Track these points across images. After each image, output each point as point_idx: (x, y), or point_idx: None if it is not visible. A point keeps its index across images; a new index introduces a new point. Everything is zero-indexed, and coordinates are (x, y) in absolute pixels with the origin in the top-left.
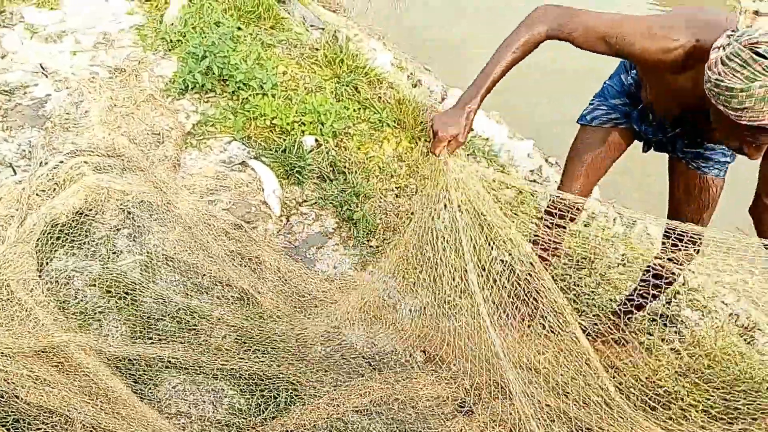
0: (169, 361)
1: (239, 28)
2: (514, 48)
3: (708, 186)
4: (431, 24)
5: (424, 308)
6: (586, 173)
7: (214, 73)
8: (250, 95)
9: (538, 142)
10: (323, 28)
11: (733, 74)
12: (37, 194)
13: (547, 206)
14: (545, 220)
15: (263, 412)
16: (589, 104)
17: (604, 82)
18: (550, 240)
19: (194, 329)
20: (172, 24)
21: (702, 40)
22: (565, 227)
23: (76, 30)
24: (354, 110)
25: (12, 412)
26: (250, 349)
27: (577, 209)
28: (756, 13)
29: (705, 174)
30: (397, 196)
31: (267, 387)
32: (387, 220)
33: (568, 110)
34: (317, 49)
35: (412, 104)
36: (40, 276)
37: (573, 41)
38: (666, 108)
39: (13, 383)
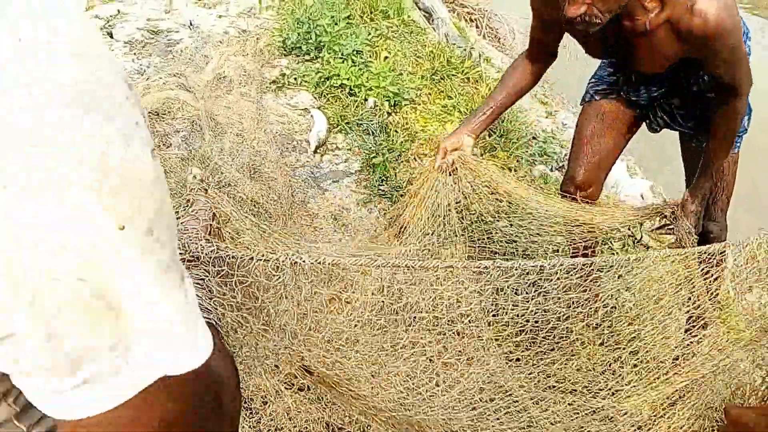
0: None
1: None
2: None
3: None
4: None
5: None
6: (589, 150)
7: (312, 39)
8: (331, 58)
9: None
10: (463, 48)
11: None
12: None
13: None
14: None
15: None
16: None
17: None
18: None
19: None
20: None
21: None
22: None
23: (230, 2)
24: (428, 91)
25: None
26: None
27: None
28: None
29: None
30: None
31: None
32: (408, 174)
33: None
34: (426, 46)
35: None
36: None
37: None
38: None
39: None
